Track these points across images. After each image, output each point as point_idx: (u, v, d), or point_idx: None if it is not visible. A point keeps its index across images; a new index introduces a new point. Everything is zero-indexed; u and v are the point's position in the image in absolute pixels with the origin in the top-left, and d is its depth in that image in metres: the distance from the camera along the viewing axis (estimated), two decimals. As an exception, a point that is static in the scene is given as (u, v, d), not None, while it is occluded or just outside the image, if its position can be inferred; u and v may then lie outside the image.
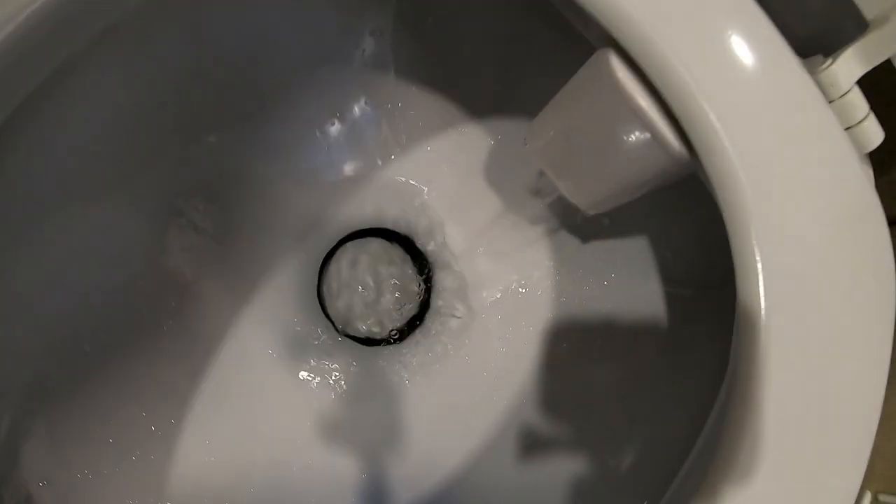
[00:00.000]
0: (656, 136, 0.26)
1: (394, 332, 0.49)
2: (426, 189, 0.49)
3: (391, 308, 0.49)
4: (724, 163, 0.23)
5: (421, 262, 0.49)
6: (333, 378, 0.47)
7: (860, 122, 0.26)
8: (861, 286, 0.24)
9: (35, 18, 0.25)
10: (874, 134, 0.26)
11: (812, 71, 0.25)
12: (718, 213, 0.33)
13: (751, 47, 0.23)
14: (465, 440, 0.46)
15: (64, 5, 0.25)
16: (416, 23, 0.45)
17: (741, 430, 0.25)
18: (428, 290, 0.49)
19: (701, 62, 0.23)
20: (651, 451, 0.39)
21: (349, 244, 0.49)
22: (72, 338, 0.39)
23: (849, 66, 0.25)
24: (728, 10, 0.23)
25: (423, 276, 0.49)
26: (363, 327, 0.48)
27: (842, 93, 0.25)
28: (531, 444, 0.44)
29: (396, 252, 0.49)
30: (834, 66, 0.25)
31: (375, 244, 0.49)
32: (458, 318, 0.48)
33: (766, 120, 0.23)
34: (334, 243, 0.49)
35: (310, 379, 0.47)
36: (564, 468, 0.42)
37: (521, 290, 0.48)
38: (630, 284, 0.44)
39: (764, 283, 0.23)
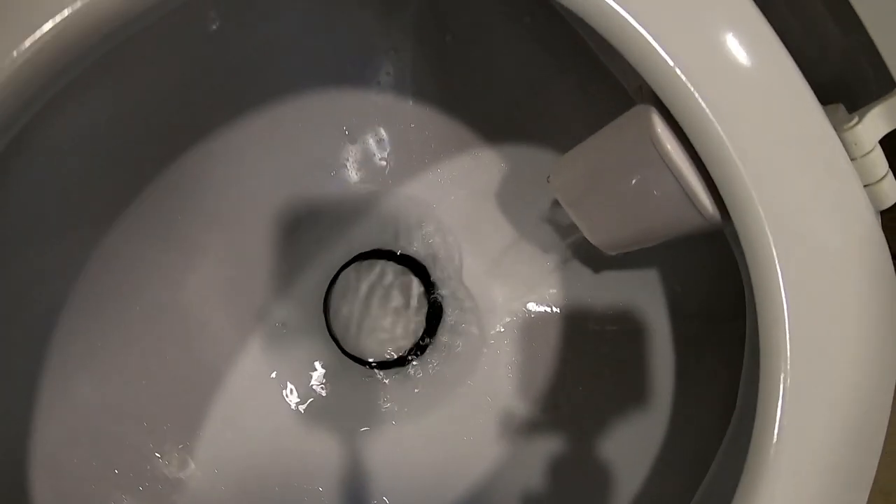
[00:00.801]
0: (692, 198, 0.26)
1: (405, 354, 0.49)
2: (438, 211, 0.49)
3: (397, 331, 0.49)
4: (757, 231, 0.23)
5: (429, 286, 0.49)
6: (326, 397, 0.47)
7: (879, 180, 0.25)
8: (880, 345, 0.25)
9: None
10: (893, 192, 0.26)
11: (837, 127, 0.25)
12: (728, 246, 0.33)
13: (792, 116, 0.23)
14: (469, 469, 0.46)
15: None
16: (435, 41, 0.44)
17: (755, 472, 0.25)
18: (436, 315, 0.49)
19: (745, 130, 0.23)
20: (661, 484, 0.39)
21: (357, 265, 0.49)
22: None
23: (875, 125, 0.25)
24: (771, 76, 0.23)
25: (431, 300, 0.49)
26: (368, 349, 0.48)
27: (865, 152, 0.25)
28: (537, 471, 0.45)
29: (405, 275, 0.50)
30: (860, 126, 0.25)
31: (383, 266, 0.49)
32: (467, 341, 0.48)
33: (801, 187, 0.23)
34: (341, 265, 0.49)
35: (305, 400, 0.47)
36: (569, 496, 0.43)
37: (531, 317, 0.48)
38: (642, 315, 0.45)
39: (791, 362, 0.23)
